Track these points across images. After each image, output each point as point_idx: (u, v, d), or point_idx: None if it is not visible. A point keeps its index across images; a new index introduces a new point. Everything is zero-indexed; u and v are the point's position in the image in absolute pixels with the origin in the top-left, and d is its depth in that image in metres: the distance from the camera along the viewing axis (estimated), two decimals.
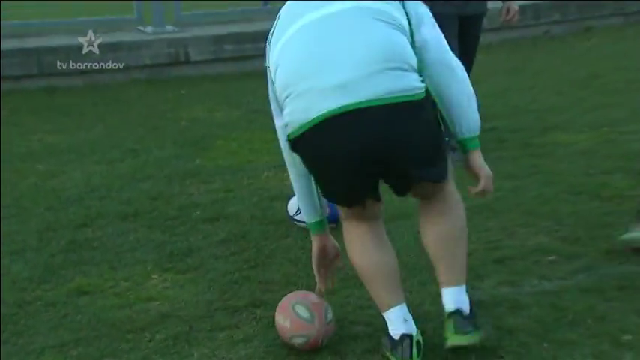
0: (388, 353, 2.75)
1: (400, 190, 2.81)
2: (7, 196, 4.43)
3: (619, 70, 6.90)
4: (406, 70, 2.59)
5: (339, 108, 2.51)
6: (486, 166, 2.82)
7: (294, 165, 2.86)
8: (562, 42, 8.27)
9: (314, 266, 3.00)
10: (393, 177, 2.73)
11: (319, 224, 2.96)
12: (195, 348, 2.91)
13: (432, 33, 2.73)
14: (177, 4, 7.66)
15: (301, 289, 3.21)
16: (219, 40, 7.43)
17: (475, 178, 2.83)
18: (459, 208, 2.85)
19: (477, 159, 2.81)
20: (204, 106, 6.22)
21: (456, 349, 2.76)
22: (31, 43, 7.08)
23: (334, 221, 3.91)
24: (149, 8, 7.54)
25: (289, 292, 3.20)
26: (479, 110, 2.80)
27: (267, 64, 2.79)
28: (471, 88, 2.79)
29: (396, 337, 2.72)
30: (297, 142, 2.65)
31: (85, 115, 6.03)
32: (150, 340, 2.97)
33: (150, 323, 3.08)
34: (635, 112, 5.60)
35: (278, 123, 2.82)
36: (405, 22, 2.67)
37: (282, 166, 4.70)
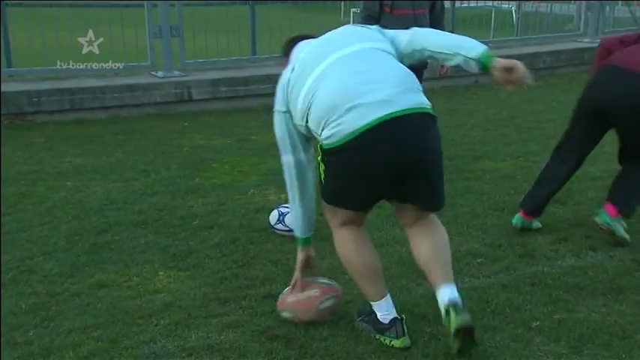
0: (380, 336, 2.74)
1: (402, 198, 2.70)
2: (41, 207, 4.36)
3: (532, 112, 6.99)
4: (419, 90, 2.65)
5: (390, 114, 2.49)
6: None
7: (305, 188, 2.78)
8: (488, 90, 8.34)
9: (299, 271, 2.94)
10: (411, 182, 2.60)
11: (309, 239, 2.92)
12: (193, 331, 2.89)
13: (403, 37, 2.78)
14: (183, 54, 7.64)
15: (280, 285, 3.20)
16: (216, 82, 7.40)
17: (509, 73, 2.60)
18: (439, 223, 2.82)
19: (500, 60, 2.60)
20: (203, 136, 6.19)
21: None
22: (65, 84, 7.01)
23: None
24: (160, 56, 7.51)
25: (270, 287, 3.21)
26: None
27: (283, 109, 2.73)
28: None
29: (386, 321, 2.72)
30: (341, 150, 2.54)
31: (107, 143, 5.96)
32: (156, 325, 2.95)
33: (156, 311, 3.06)
34: (545, 145, 5.66)
35: (287, 158, 2.76)
36: (394, 51, 2.73)
37: (265, 185, 4.73)
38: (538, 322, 2.91)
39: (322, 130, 2.57)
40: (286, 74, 2.75)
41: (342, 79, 2.58)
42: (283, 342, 2.80)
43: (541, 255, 3.59)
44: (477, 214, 4.16)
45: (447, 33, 2.85)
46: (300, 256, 2.94)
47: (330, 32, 2.84)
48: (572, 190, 4.54)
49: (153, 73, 7.55)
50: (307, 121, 2.65)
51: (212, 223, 4.06)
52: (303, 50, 2.78)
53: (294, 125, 2.72)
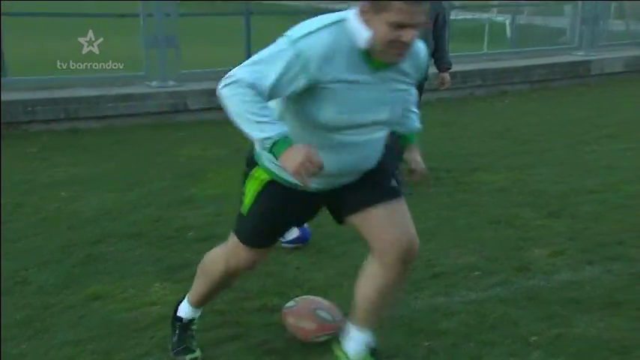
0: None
1: None
2: (35, 217, 4.34)
3: (527, 125, 7.01)
4: None
5: None
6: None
7: None
8: (484, 102, 8.39)
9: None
10: None
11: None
12: None
13: None
14: (178, 64, 7.65)
15: (275, 297, 3.19)
16: (211, 92, 7.34)
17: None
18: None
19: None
20: (198, 146, 6.18)
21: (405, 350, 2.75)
22: (59, 94, 6.99)
23: (304, 241, 3.89)
24: (155, 66, 7.51)
25: (266, 299, 3.19)
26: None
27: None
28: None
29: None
30: None
31: (102, 152, 5.95)
32: (152, 338, 2.92)
33: (152, 323, 3.03)
34: (540, 158, 5.69)
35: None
36: None
37: None
38: (536, 337, 2.90)
39: None
40: None
41: None
42: (280, 356, 2.78)
43: (537, 269, 3.59)
44: (474, 227, 4.16)
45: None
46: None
47: None
48: (567, 204, 4.55)
49: (148, 83, 7.54)
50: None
51: (208, 234, 4.04)
52: None
53: None
